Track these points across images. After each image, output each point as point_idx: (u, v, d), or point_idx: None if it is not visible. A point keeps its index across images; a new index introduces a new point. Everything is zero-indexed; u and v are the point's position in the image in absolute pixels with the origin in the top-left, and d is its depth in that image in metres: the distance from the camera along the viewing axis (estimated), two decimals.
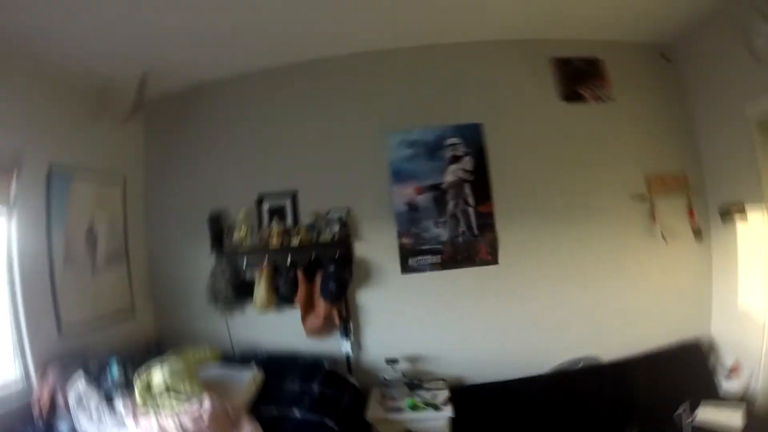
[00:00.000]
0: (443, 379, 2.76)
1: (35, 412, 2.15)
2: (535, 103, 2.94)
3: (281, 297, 2.85)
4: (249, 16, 2.37)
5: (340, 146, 2.98)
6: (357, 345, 2.93)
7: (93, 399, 2.14)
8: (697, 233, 2.81)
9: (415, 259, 2.90)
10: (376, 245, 2.92)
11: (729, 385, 2.53)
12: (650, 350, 2.74)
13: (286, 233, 2.86)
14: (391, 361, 2.75)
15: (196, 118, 3.13)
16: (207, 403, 2.09)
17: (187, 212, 3.08)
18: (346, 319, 2.86)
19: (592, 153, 2.91)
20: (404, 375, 2.73)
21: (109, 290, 2.82)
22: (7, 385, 2.17)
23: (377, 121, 2.95)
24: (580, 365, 2.78)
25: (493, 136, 2.90)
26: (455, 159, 2.89)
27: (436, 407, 2.50)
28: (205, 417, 2.03)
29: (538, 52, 2.95)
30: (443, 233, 2.89)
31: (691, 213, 2.81)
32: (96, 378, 2.26)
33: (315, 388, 2.57)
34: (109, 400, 2.18)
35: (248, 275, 2.94)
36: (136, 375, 2.21)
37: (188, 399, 2.11)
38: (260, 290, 2.83)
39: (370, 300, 2.95)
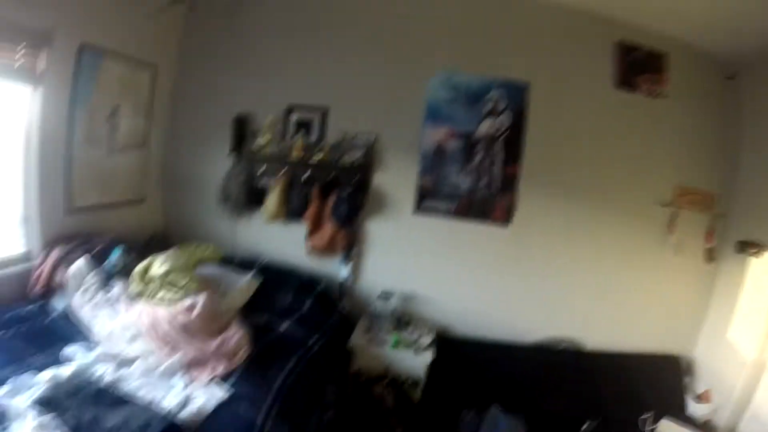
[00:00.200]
0: (430, 325, 2.81)
1: (33, 287, 2.16)
2: (587, 81, 2.80)
3: (291, 211, 2.85)
4: None
5: (381, 73, 2.89)
6: (355, 272, 2.96)
7: (91, 280, 2.15)
8: (709, 255, 2.75)
9: (431, 202, 2.88)
10: (396, 179, 2.89)
11: (695, 409, 2.54)
12: (631, 351, 2.77)
13: (309, 148, 2.82)
14: (386, 295, 2.79)
15: (240, 18, 3.01)
16: (200, 301, 2.04)
17: (213, 110, 3.04)
18: (350, 245, 2.87)
19: (630, 146, 2.81)
20: (394, 311, 2.77)
21: (123, 176, 2.82)
22: (10, 260, 2.18)
23: (424, 56, 2.84)
24: (562, 346, 2.83)
25: (536, 101, 2.80)
26: (493, 113, 2.81)
27: (418, 349, 2.56)
28: (196, 314, 1.99)
29: (605, 32, 2.78)
30: (464, 183, 2.85)
31: (709, 233, 2.75)
32: (98, 261, 2.26)
33: (306, 305, 2.61)
34: (106, 283, 2.19)
35: (262, 183, 2.93)
36: (136, 263, 2.20)
37: (183, 294, 2.09)
38: (272, 200, 2.83)
39: (377, 232, 2.95)
